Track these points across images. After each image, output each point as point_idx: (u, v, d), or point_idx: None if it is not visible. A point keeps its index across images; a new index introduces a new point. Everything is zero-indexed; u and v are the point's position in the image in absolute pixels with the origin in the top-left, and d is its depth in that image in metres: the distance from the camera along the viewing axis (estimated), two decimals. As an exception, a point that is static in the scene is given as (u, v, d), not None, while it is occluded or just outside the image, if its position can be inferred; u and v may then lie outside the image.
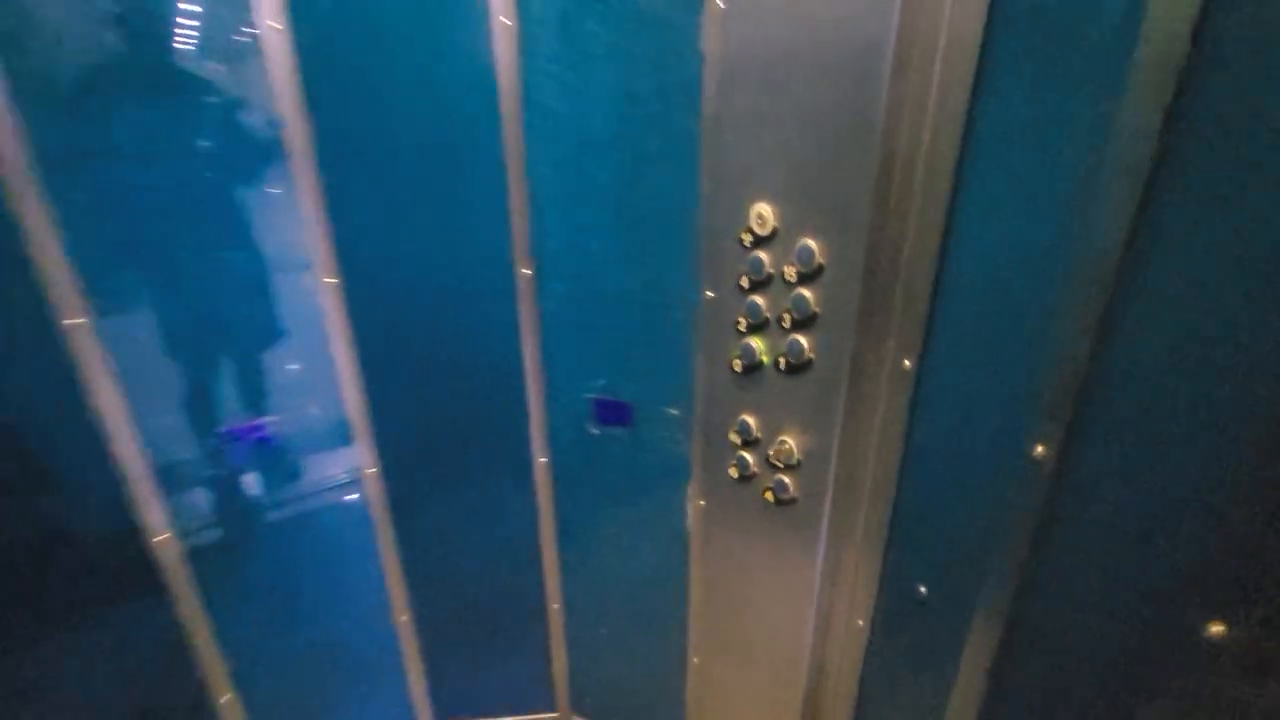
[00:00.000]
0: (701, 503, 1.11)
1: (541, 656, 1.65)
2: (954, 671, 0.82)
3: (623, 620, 1.50)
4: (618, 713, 1.65)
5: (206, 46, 1.05)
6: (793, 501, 0.94)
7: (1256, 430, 0.55)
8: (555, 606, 1.57)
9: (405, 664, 1.61)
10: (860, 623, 0.92)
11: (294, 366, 1.30)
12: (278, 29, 1.03)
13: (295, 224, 1.16)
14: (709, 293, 0.95)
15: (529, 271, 1.22)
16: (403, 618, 1.54)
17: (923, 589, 0.81)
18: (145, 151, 1.05)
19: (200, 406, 1.20)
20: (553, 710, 1.73)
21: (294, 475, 1.36)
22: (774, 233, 0.83)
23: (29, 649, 1.12)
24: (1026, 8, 0.58)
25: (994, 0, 0.58)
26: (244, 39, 1.04)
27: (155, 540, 1.13)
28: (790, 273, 0.82)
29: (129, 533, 1.13)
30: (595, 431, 1.30)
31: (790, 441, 0.91)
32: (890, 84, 0.67)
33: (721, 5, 0.82)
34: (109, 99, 1.00)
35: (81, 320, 0.99)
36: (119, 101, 1.01)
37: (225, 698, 1.30)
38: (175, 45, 1.04)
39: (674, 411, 1.19)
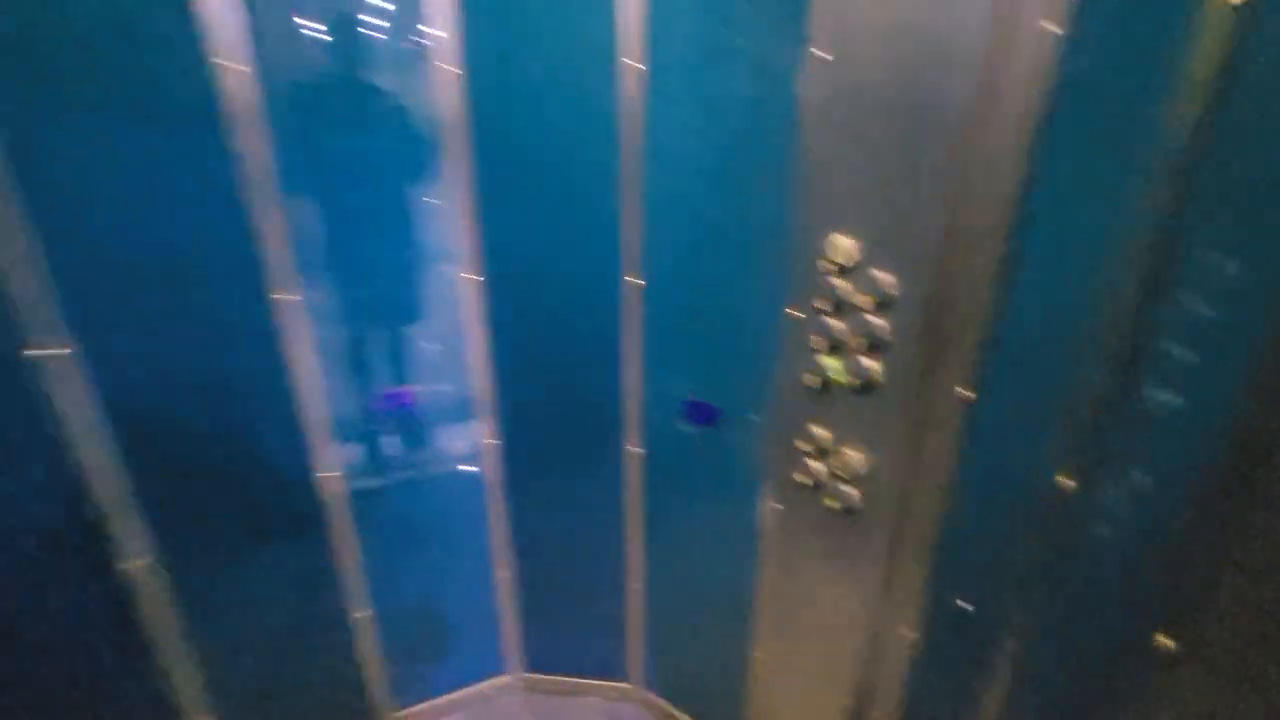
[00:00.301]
0: (773, 505, 1.20)
1: (620, 630, 1.80)
2: (990, 679, 0.86)
3: (695, 606, 1.61)
4: (684, 693, 1.77)
5: (387, 58, 1.30)
6: (852, 511, 1.01)
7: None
8: (636, 586, 1.72)
9: (501, 614, 1.83)
10: (907, 631, 0.97)
11: (436, 347, 1.54)
12: (446, 37, 1.24)
13: (449, 223, 1.39)
14: (793, 313, 1.04)
15: (639, 281, 1.37)
16: (503, 574, 1.76)
17: (963, 603, 0.85)
18: (341, 150, 1.31)
19: (366, 372, 1.47)
20: (625, 681, 1.88)
21: (429, 438, 1.61)
22: (853, 264, 0.91)
23: (222, 567, 1.42)
24: (1083, 83, 0.63)
25: (1059, 72, 0.64)
26: (412, 46, 1.26)
27: (324, 476, 1.41)
28: (865, 302, 0.90)
29: (305, 470, 1.41)
30: (685, 430, 1.43)
31: (855, 456, 0.98)
32: (962, 139, 0.74)
33: (827, 57, 0.91)
34: (312, 104, 1.26)
35: (284, 296, 1.27)
36: (324, 105, 1.28)
37: (364, 613, 1.57)
38: (361, 54, 1.28)
39: (755, 418, 1.29)
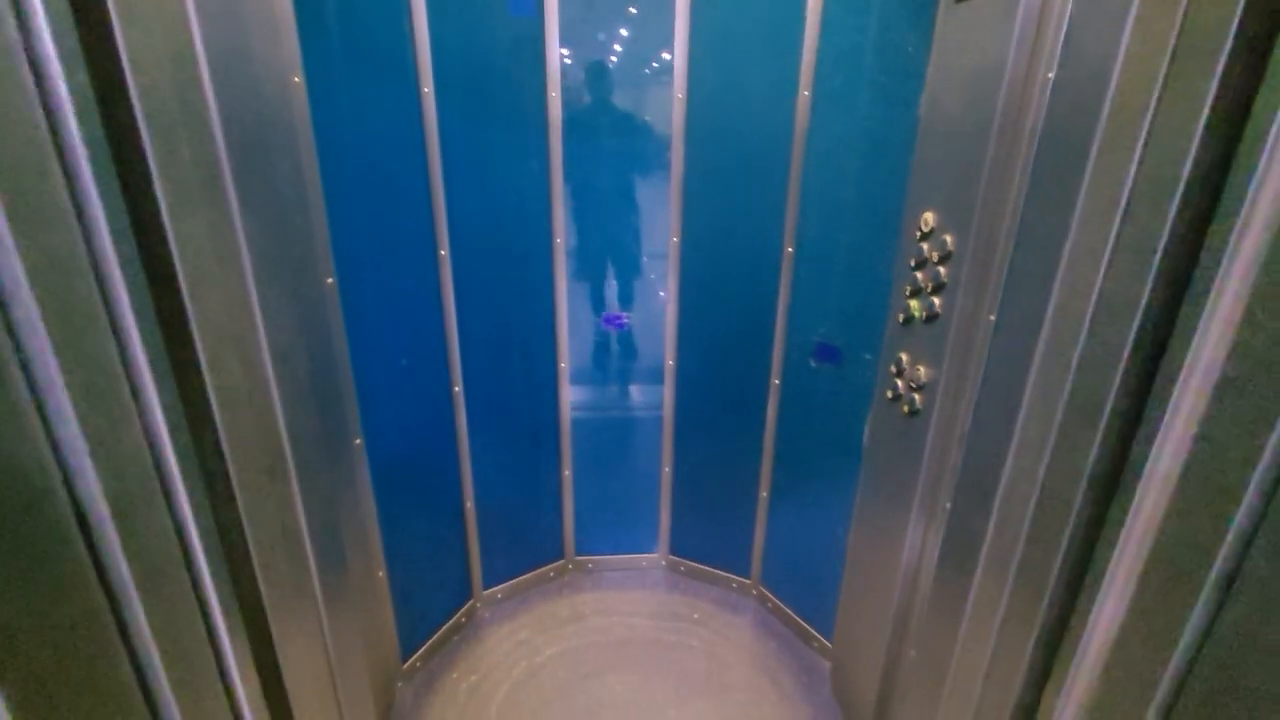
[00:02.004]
0: (872, 421, 1.61)
1: (749, 531, 2.28)
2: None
3: (808, 513, 2.04)
4: (790, 590, 2.19)
5: (639, 81, 1.95)
6: (917, 413, 1.40)
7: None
8: (764, 494, 2.18)
9: (660, 504, 2.41)
10: (946, 504, 1.32)
11: (647, 288, 2.17)
12: (677, 69, 1.86)
13: (666, 203, 2.01)
14: (899, 272, 1.46)
15: (791, 250, 1.86)
16: (666, 469, 2.34)
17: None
18: (607, 149, 1.99)
19: (599, 300, 2.15)
20: (747, 577, 2.35)
21: (634, 354, 2.25)
22: (930, 230, 1.32)
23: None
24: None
25: (1049, 110, 1.00)
26: (656, 65, 1.90)
27: (562, 365, 2.11)
28: (935, 255, 1.30)
29: (555, 386, 2.13)
30: (814, 365, 1.88)
31: (922, 369, 1.37)
32: (993, 150, 1.12)
33: (933, 94, 1.34)
34: (590, 117, 1.96)
35: (560, 240, 1.98)
36: (597, 117, 1.97)
37: (568, 473, 2.26)
38: (623, 78, 1.95)
39: (868, 356, 1.70)
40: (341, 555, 0.95)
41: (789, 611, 2.18)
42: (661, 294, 2.12)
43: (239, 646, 0.61)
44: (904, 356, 1.44)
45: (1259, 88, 0.47)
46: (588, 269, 2.11)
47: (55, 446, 0.40)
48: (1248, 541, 0.49)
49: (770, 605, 2.26)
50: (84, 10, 0.39)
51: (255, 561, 0.63)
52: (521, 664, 2.02)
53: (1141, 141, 0.60)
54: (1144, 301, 0.57)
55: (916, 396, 1.40)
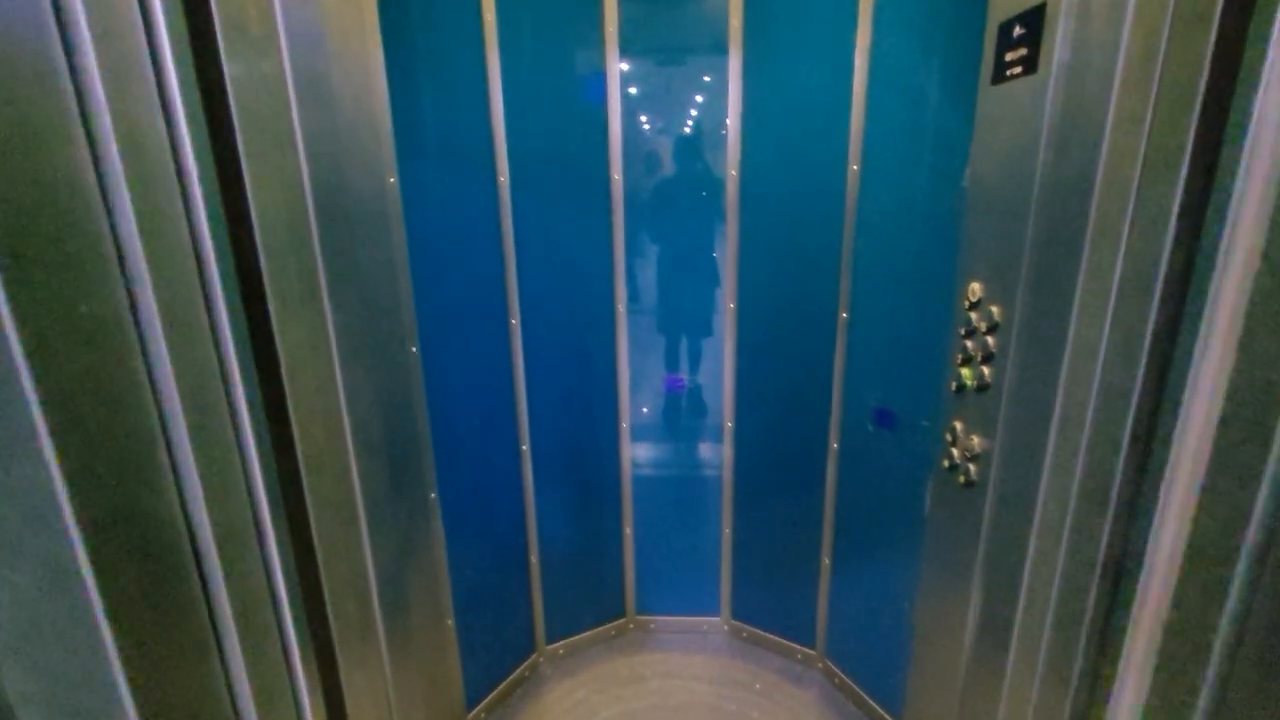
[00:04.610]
0: (931, 489, 1.57)
1: (812, 598, 2.22)
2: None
3: (872, 582, 1.97)
4: (859, 666, 2.10)
5: (697, 157, 2.07)
6: (973, 484, 1.36)
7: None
8: (826, 561, 2.14)
9: (721, 566, 2.40)
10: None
11: (705, 352, 2.24)
12: (733, 140, 1.97)
13: (722, 268, 2.10)
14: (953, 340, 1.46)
15: (845, 315, 1.89)
16: (726, 530, 2.34)
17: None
18: (667, 221, 2.12)
19: (658, 361, 2.25)
20: (811, 647, 2.27)
21: (693, 413, 2.31)
22: (979, 300, 1.32)
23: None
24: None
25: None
26: (711, 144, 2.02)
27: (623, 425, 2.20)
28: (982, 325, 1.30)
29: (617, 445, 2.23)
30: (871, 430, 1.86)
31: (975, 439, 1.35)
32: (1032, 227, 1.14)
33: (977, 171, 1.37)
34: (651, 194, 2.10)
35: (621, 307, 2.10)
36: (657, 192, 2.11)
37: (628, 529, 2.31)
38: (681, 156, 2.08)
39: (925, 423, 1.68)
40: (406, 603, 1.06)
41: (856, 688, 2.09)
42: (724, 357, 2.18)
43: (311, 681, 0.71)
44: (958, 425, 1.42)
45: (1209, 200, 0.50)
46: (648, 334, 2.21)
47: (184, 505, 0.52)
48: (1240, 640, 0.49)
49: (837, 681, 2.17)
50: (226, 180, 0.53)
51: (329, 605, 0.73)
52: (579, 723, 2.04)
53: (1124, 241, 0.63)
54: (1135, 393, 0.58)
55: (971, 467, 1.37)
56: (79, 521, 0.46)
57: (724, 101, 1.97)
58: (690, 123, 2.05)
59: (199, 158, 0.51)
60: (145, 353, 0.47)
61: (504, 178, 1.84)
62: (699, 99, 2.03)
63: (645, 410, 2.28)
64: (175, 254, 0.49)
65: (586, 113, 1.97)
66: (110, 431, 0.47)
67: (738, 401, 2.20)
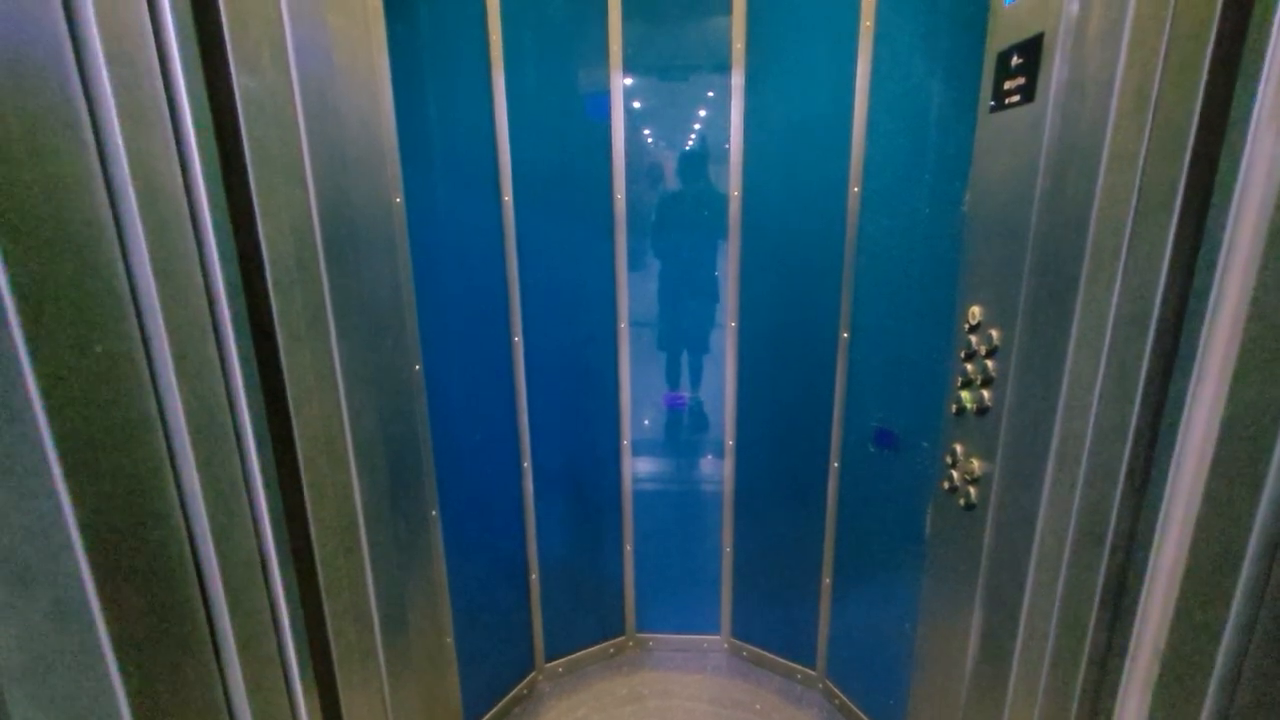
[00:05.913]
0: (932, 511, 1.58)
1: (813, 618, 2.21)
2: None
3: (874, 603, 1.97)
4: (861, 687, 2.08)
5: (694, 178, 2.09)
6: (973, 507, 1.37)
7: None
8: (827, 580, 2.13)
9: (722, 585, 2.39)
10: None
11: (706, 370, 2.25)
12: (735, 160, 1.99)
13: (723, 287, 2.12)
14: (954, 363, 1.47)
15: (846, 335, 1.90)
16: (727, 549, 2.33)
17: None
18: (668, 241, 2.14)
19: (658, 379, 2.25)
20: (812, 668, 2.26)
21: (693, 430, 2.31)
22: (979, 323, 1.33)
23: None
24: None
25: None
26: (713, 163, 2.04)
27: (624, 443, 2.21)
28: (982, 349, 1.31)
29: (618, 461, 2.23)
30: (872, 450, 1.87)
31: (975, 462, 1.35)
32: (1030, 254, 1.15)
33: (976, 197, 1.39)
34: (654, 214, 2.12)
35: (623, 325, 2.12)
36: (658, 212, 2.13)
37: (628, 546, 2.31)
38: (682, 176, 2.10)
39: (925, 444, 1.69)
40: (405, 622, 1.06)
41: (857, 710, 2.07)
42: (725, 376, 2.19)
43: (310, 705, 0.72)
44: (958, 448, 1.43)
45: (1202, 238, 0.51)
46: (649, 351, 2.22)
47: (191, 540, 0.53)
48: (1237, 673, 0.49)
49: (837, 702, 2.15)
50: (237, 215, 0.55)
51: (330, 631, 0.74)
52: (578, 742, 2.03)
53: (1120, 277, 0.64)
54: (1131, 429, 0.59)
55: (972, 490, 1.37)
56: (89, 555, 0.47)
57: (726, 122, 1.99)
58: (693, 142, 2.07)
59: (211, 197, 0.52)
60: (156, 389, 0.49)
61: (508, 196, 1.86)
62: (702, 118, 2.05)
63: (646, 424, 2.29)
64: (188, 293, 0.50)
65: (590, 132, 1.99)
66: (121, 466, 0.48)
67: (739, 419, 2.20)
